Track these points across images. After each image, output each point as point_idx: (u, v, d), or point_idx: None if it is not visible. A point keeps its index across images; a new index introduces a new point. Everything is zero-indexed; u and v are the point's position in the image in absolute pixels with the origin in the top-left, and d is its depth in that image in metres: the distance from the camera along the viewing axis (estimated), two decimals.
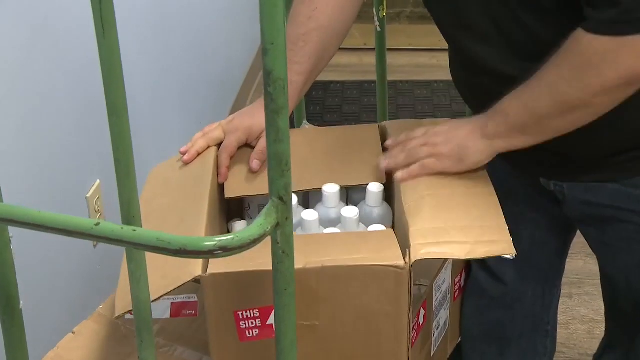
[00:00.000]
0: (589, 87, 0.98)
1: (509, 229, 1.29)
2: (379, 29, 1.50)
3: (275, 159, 0.76)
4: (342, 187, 1.22)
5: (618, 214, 1.11)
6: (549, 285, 1.37)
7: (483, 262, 1.37)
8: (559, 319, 1.46)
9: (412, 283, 1.00)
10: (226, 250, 0.72)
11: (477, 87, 1.15)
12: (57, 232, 0.75)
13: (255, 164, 1.20)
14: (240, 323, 0.98)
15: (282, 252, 0.80)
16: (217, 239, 0.73)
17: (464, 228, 1.00)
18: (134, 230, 0.74)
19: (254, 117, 1.20)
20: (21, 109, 1.33)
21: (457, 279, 1.39)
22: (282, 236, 0.79)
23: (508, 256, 0.97)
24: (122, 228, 0.74)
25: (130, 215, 0.83)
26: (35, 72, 1.37)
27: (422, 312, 1.23)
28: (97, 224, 0.74)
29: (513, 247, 0.99)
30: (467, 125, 1.10)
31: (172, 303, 1.30)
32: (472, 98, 1.20)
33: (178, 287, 0.98)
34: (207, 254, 0.73)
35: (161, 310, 1.28)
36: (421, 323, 1.22)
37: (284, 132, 0.75)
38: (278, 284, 0.81)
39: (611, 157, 1.08)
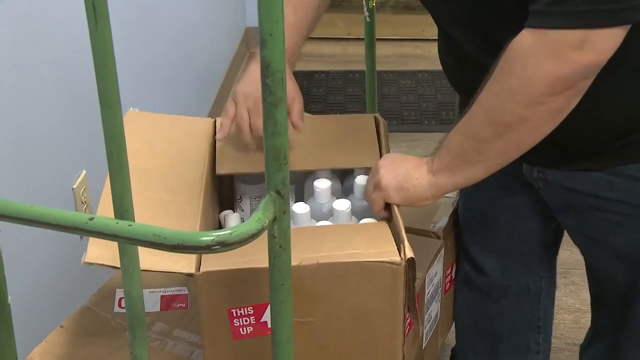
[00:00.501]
0: (517, 98, 0.92)
1: (486, 214, 1.30)
2: (368, 19, 1.48)
3: (273, 153, 0.75)
4: (336, 179, 1.22)
5: (598, 203, 1.10)
6: (534, 278, 1.36)
7: (467, 253, 1.36)
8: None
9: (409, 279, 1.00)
10: (224, 245, 0.71)
11: (465, 77, 1.14)
12: (50, 227, 0.74)
13: (301, 123, 1.17)
14: (234, 321, 0.97)
15: (279, 246, 0.78)
16: (214, 234, 0.71)
17: None
18: (130, 225, 0.72)
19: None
20: (6, 100, 1.31)
21: (448, 272, 1.38)
22: (279, 230, 0.78)
23: None
24: (117, 223, 0.72)
25: (123, 208, 0.82)
26: (19, 63, 1.34)
27: None
28: (91, 219, 0.73)
29: None
30: (416, 159, 1.08)
31: (162, 296, 1.29)
32: (460, 86, 1.19)
33: (167, 272, 0.96)
34: (204, 249, 0.71)
35: (151, 304, 1.27)
36: None
37: (282, 124, 0.74)
38: (275, 279, 0.80)
39: (596, 147, 1.07)
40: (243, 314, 0.96)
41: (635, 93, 1.02)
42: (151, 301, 1.26)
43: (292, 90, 1.17)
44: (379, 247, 0.97)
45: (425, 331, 1.31)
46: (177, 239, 0.71)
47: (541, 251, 1.33)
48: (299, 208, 1.12)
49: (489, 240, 1.32)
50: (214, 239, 0.71)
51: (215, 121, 1.26)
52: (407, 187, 1.05)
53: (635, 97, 1.02)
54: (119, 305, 1.25)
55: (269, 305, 0.81)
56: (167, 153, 1.16)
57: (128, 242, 0.73)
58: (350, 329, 0.99)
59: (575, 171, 1.10)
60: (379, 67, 1.54)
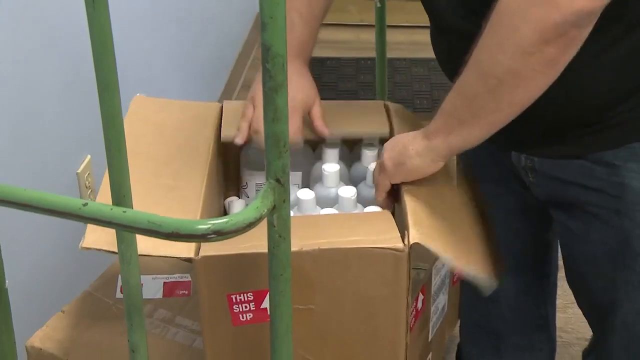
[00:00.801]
0: (506, 48, 0.87)
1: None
2: (378, 4, 1.47)
3: (273, 139, 0.73)
4: (344, 166, 1.20)
5: (581, 193, 1.07)
6: (534, 277, 1.33)
7: None
8: (557, 302, 1.43)
9: (411, 267, 0.98)
10: (220, 234, 0.70)
11: (445, 46, 1.11)
12: (44, 212, 0.73)
13: (325, 130, 1.17)
14: (234, 307, 0.95)
15: (279, 235, 0.77)
16: (211, 222, 0.70)
17: (460, 231, 0.99)
18: (124, 212, 0.71)
19: (303, 91, 1.17)
20: (9, 84, 1.29)
21: None
22: (278, 219, 0.76)
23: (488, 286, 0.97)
24: (111, 209, 0.71)
25: (121, 194, 0.80)
26: (22, 46, 1.33)
27: (421, 297, 1.20)
28: (85, 204, 0.72)
29: (494, 281, 0.98)
30: (413, 132, 1.05)
31: (164, 282, 1.28)
32: (443, 60, 1.15)
33: (165, 257, 0.94)
34: (200, 237, 0.70)
35: (153, 290, 1.26)
36: (420, 308, 1.20)
37: (282, 110, 0.72)
38: (274, 268, 0.79)
39: (574, 130, 1.04)
40: (243, 299, 0.95)
41: (622, 62, 0.98)
42: (153, 287, 1.25)
43: (311, 94, 1.16)
44: (381, 234, 0.95)
45: (432, 323, 1.29)
46: (173, 226, 0.70)
47: (541, 250, 1.31)
48: (304, 194, 1.10)
49: None
50: (209, 227, 0.69)
51: (223, 106, 1.25)
52: (404, 160, 1.02)
53: (623, 66, 0.98)
54: (121, 291, 1.24)
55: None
56: (173, 138, 1.14)
57: (122, 229, 0.72)
58: (352, 316, 0.97)
59: (559, 158, 1.07)
60: (391, 55, 1.52)
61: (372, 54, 1.55)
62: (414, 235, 0.93)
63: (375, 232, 0.96)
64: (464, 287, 1.39)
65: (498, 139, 0.99)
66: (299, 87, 1.16)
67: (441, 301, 1.32)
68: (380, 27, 1.51)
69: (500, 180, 1.21)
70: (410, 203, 1.01)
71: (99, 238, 0.92)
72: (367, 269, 0.94)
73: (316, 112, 1.17)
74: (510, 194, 1.22)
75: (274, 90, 0.71)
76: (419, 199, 1.02)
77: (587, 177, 1.05)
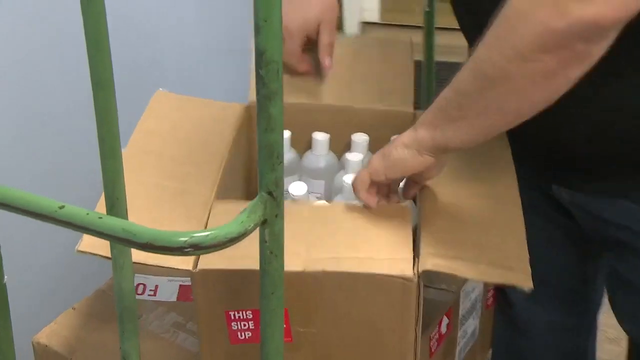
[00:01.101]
0: (503, 47, 0.80)
1: None
2: (427, 8, 1.41)
3: (266, 150, 0.68)
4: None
5: (627, 236, 0.99)
6: (571, 312, 1.25)
7: None
8: (608, 333, 1.34)
9: (426, 291, 0.91)
10: (198, 248, 0.65)
11: None
12: (20, 212, 0.70)
13: (327, 60, 1.13)
14: (232, 324, 0.90)
15: (270, 252, 0.72)
16: (191, 234, 0.65)
17: (481, 246, 0.90)
18: (100, 218, 0.67)
19: (303, 9, 1.10)
20: (30, 81, 1.28)
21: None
22: (270, 235, 0.71)
23: (524, 289, 0.86)
24: (87, 214, 0.67)
25: (114, 197, 0.77)
26: (40, 42, 1.31)
27: (446, 320, 1.14)
28: (62, 207, 0.68)
29: (530, 280, 0.85)
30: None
31: (180, 285, 1.24)
32: None
33: (156, 266, 0.90)
34: (176, 250, 0.65)
35: (169, 293, 1.23)
36: (444, 332, 1.13)
37: (276, 120, 0.67)
38: (265, 286, 0.74)
39: (616, 167, 0.96)
40: (242, 317, 0.90)
41: None
42: (169, 290, 1.22)
43: (312, 18, 1.10)
44: (393, 254, 0.88)
45: (458, 348, 1.22)
46: (147, 237, 0.65)
47: (579, 285, 1.22)
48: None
49: None
50: (186, 241, 0.64)
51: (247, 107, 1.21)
52: (390, 151, 0.94)
53: None
54: (136, 291, 1.22)
55: None
56: (188, 138, 1.10)
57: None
58: (355, 343, 0.91)
59: (598, 195, 0.99)
60: (451, 58, 1.46)
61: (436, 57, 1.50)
62: (425, 263, 0.86)
63: (388, 250, 0.89)
64: (496, 315, 1.32)
65: (537, 173, 0.91)
66: (298, 9, 1.10)
67: (470, 325, 1.25)
68: (429, 31, 1.46)
69: (539, 209, 1.12)
70: (426, 225, 0.94)
71: (96, 242, 0.89)
72: (373, 295, 0.87)
73: (322, 40, 1.11)
74: (551, 223, 1.13)
75: (267, 98, 0.66)
76: (437, 217, 0.95)
77: (631, 218, 0.97)
